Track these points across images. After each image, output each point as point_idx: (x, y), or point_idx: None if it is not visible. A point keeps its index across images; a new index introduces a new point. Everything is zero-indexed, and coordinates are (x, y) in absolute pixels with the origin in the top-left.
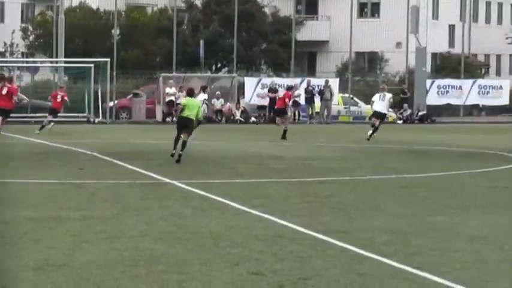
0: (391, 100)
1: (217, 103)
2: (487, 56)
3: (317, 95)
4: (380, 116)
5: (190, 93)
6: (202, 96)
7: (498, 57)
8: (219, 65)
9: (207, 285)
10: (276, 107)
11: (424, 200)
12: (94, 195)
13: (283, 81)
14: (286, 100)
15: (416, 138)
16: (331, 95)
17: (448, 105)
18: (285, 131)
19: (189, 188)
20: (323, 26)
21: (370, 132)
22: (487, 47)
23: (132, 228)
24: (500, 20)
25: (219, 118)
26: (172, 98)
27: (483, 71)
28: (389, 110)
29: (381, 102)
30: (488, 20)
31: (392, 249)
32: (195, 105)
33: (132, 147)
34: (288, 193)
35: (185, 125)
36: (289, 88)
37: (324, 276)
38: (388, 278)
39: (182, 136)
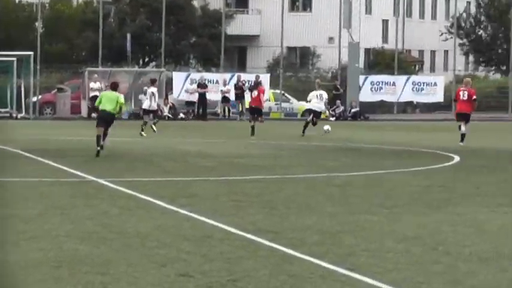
0: (327, 99)
1: (144, 98)
2: (421, 52)
3: (247, 91)
4: (316, 114)
5: (114, 87)
6: (152, 89)
7: (432, 53)
8: (146, 59)
9: (132, 287)
10: (252, 105)
11: (356, 199)
12: (16, 194)
13: (212, 77)
14: (261, 96)
15: (349, 136)
16: (260, 90)
17: (382, 102)
18: (253, 127)
19: (116, 186)
20: (253, 20)
21: (304, 127)
22: (421, 43)
23: (57, 228)
24: (434, 16)
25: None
26: (97, 93)
27: (417, 67)
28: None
29: (318, 101)
30: (422, 15)
31: (324, 250)
32: (113, 98)
33: (56, 144)
34: (216, 192)
35: (105, 120)
36: (258, 84)
37: (254, 277)
38: (320, 279)
39: (97, 131)
